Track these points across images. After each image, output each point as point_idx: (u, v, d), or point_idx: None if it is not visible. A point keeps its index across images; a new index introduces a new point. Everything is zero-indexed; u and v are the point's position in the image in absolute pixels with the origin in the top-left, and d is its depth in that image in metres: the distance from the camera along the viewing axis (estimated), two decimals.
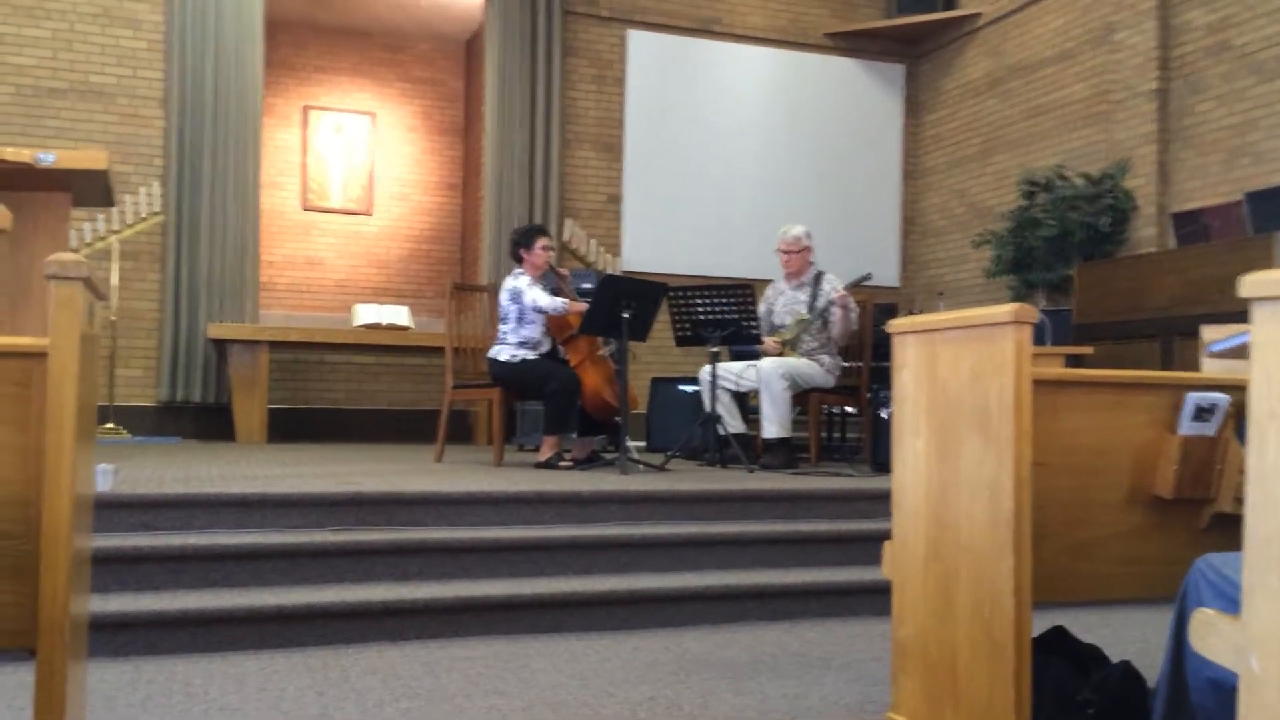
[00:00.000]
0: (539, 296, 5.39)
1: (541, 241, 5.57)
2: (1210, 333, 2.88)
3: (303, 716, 2.58)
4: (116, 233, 7.16)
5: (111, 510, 3.53)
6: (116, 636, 3.07)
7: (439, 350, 7.42)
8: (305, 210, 9.50)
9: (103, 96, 7.52)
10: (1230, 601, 1.68)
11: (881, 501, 4.34)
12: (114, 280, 7.23)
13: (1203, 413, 2.24)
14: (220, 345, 7.48)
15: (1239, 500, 1.92)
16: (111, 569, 3.30)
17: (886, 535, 2.50)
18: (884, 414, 5.48)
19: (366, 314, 8.05)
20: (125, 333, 7.48)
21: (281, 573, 3.47)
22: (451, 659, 3.14)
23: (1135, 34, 7.27)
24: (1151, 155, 7.14)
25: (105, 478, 3.62)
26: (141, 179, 7.50)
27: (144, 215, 7.28)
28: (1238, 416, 2.24)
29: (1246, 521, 1.48)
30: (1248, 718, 1.47)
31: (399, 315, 8.13)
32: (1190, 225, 6.52)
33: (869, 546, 3.97)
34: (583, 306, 5.42)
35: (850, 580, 3.89)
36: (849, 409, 6.78)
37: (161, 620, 3.11)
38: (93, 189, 3.74)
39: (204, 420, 7.68)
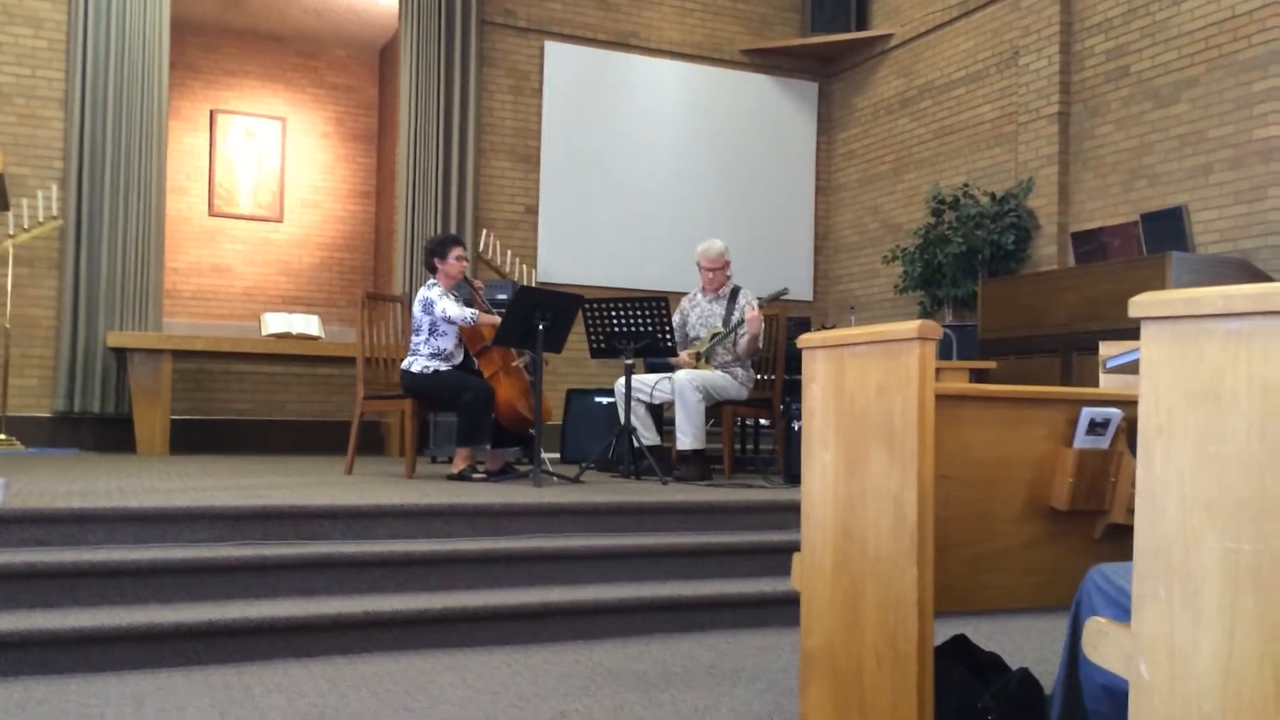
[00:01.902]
0: (449, 306, 5.33)
1: (456, 251, 5.53)
2: (1108, 348, 2.97)
3: None
4: (12, 237, 6.91)
5: (2, 525, 3.40)
6: (6, 656, 2.95)
7: (350, 360, 7.31)
8: (212, 216, 9.28)
9: None
10: (1122, 610, 1.73)
11: (793, 513, 4.38)
12: (8, 286, 6.98)
13: (1097, 427, 2.31)
14: (121, 354, 7.27)
15: (1131, 511, 1.99)
16: (2, 586, 3.18)
17: (798, 546, 2.53)
18: (796, 426, 5.55)
19: (276, 323, 7.89)
20: (20, 341, 7.22)
21: (183, 589, 3.38)
22: (359, 675, 3.09)
23: (1039, 59, 7.51)
24: (1053, 176, 7.37)
25: None
26: (39, 181, 7.26)
27: (41, 219, 7.05)
28: (1130, 430, 2.32)
29: (1136, 533, 1.54)
30: None
31: (309, 324, 7.99)
32: (1089, 244, 6.75)
33: (781, 558, 4.02)
34: (494, 319, 5.39)
35: (763, 591, 3.92)
36: (762, 421, 6.86)
37: (55, 639, 3.00)
38: None
39: (103, 431, 7.44)
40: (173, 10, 7.80)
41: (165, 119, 7.71)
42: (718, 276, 5.97)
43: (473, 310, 5.39)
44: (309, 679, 3.04)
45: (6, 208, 3.94)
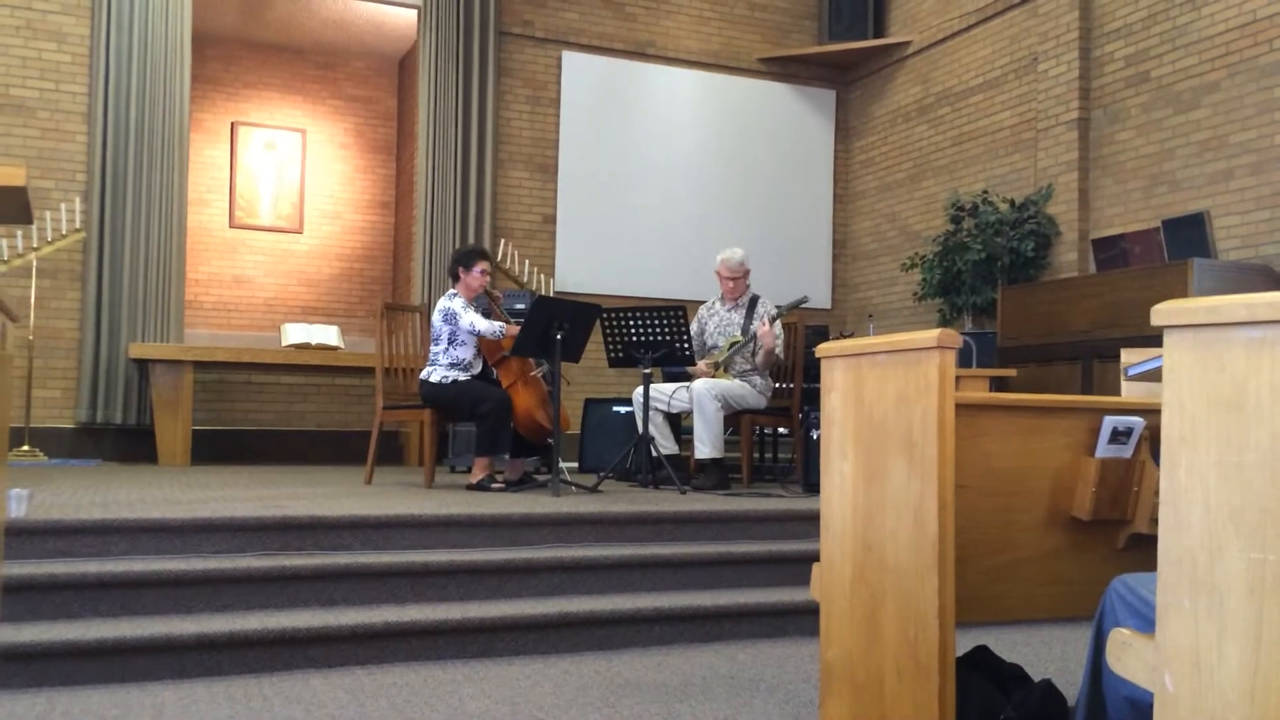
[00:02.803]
0: (476, 320, 5.36)
1: (481, 265, 5.55)
2: (1129, 356, 2.96)
3: None
4: (35, 250, 6.97)
5: (26, 536, 3.43)
6: (29, 667, 2.97)
7: (369, 371, 7.33)
8: (233, 228, 9.34)
9: (23, 110, 7.33)
10: (1146, 621, 1.71)
11: (813, 522, 4.38)
12: (32, 299, 7.04)
13: (1119, 436, 2.29)
14: (142, 365, 7.32)
15: (1154, 521, 1.97)
16: (25, 597, 3.20)
17: (817, 556, 2.51)
18: (815, 435, 5.53)
19: (295, 333, 7.92)
20: (43, 353, 7.28)
21: (203, 600, 3.39)
22: (378, 686, 3.09)
23: (1058, 64, 7.48)
24: (1073, 182, 7.33)
25: (19, 503, 3.51)
26: (62, 195, 7.32)
27: (64, 232, 7.10)
28: (1153, 439, 2.30)
29: (1160, 543, 1.52)
30: None
31: (329, 335, 8.02)
32: (1110, 250, 6.70)
33: (800, 567, 4.01)
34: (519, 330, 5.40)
35: (782, 601, 3.90)
36: (781, 430, 6.83)
37: (77, 650, 3.02)
38: (10, 205, 3.64)
39: (125, 442, 7.49)
40: (194, 24, 7.87)
41: (187, 131, 7.77)
42: (737, 285, 5.96)
43: (501, 324, 5.40)
44: (328, 689, 3.04)
45: (30, 221, 3.97)
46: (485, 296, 5.73)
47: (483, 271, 5.54)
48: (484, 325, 5.35)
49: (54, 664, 2.99)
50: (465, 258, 5.58)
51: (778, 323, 5.80)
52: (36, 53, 7.39)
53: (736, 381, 5.78)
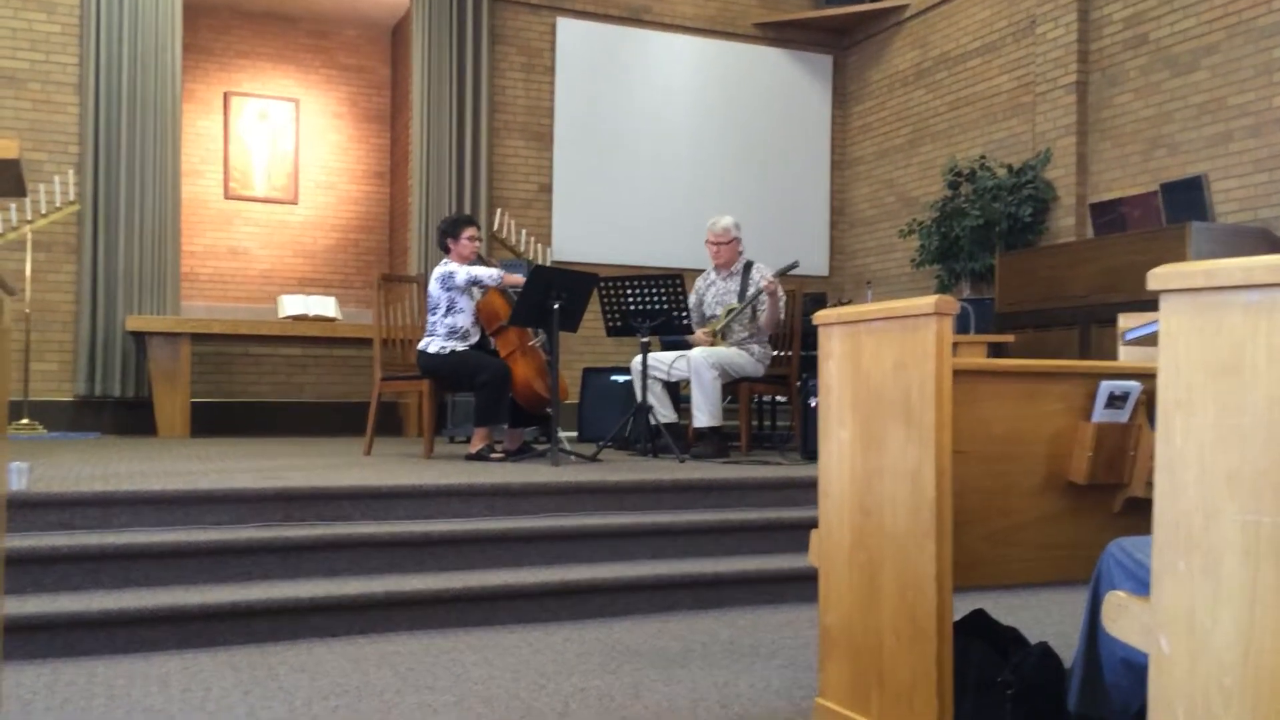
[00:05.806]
0: (475, 270, 5.36)
1: (468, 231, 5.52)
2: (1127, 320, 2.96)
3: (228, 717, 2.54)
4: (30, 223, 6.95)
5: (27, 509, 3.44)
6: (33, 638, 2.99)
7: (367, 342, 7.34)
8: (228, 199, 9.29)
9: (14, 82, 7.28)
10: (1141, 584, 1.72)
11: (811, 490, 4.37)
12: (27, 272, 7.02)
13: (1115, 400, 2.30)
14: (140, 338, 7.31)
15: (1150, 485, 1.98)
16: (27, 569, 3.21)
17: (816, 523, 2.53)
18: (813, 403, 5.54)
19: (292, 305, 7.91)
20: (40, 326, 7.27)
21: (206, 571, 3.41)
22: (381, 654, 3.12)
23: (1056, 27, 7.42)
24: (1071, 146, 7.30)
25: (19, 476, 3.52)
26: (56, 167, 7.29)
27: (59, 205, 7.08)
28: (1149, 404, 2.31)
29: (1155, 506, 1.53)
30: (1158, 696, 1.52)
31: (326, 306, 8.01)
32: (1108, 215, 6.69)
33: (799, 534, 4.03)
34: (518, 278, 5.38)
35: (780, 568, 3.93)
36: (779, 398, 6.85)
37: (81, 621, 3.04)
38: (3, 178, 3.62)
39: (123, 415, 7.50)
40: None
41: (179, 102, 7.73)
42: (723, 251, 5.93)
43: (498, 269, 5.41)
44: (332, 658, 3.06)
45: (24, 194, 3.95)
46: (481, 265, 5.73)
47: (471, 238, 5.52)
48: (483, 271, 5.36)
49: (58, 635, 3.01)
50: (452, 226, 5.56)
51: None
52: (26, 23, 7.33)
53: (735, 349, 5.79)
